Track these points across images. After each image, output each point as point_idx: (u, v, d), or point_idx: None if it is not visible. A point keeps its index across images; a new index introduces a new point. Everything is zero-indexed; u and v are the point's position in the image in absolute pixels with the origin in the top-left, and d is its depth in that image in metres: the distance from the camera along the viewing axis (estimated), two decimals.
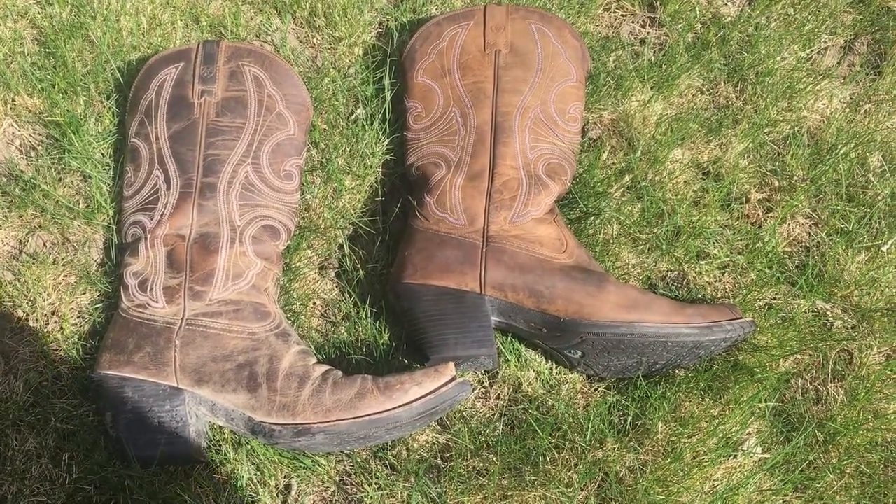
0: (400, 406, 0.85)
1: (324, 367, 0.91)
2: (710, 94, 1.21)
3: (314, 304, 1.07)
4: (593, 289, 0.96)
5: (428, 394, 0.86)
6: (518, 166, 1.01)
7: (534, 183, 1.00)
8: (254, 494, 0.94)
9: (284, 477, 0.96)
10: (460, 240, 0.99)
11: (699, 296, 1.07)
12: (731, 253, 1.10)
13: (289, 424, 0.84)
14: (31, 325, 1.01)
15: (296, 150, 1.02)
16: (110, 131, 1.09)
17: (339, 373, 0.91)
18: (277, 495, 0.95)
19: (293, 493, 0.95)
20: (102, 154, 1.09)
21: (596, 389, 1.02)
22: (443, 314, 0.97)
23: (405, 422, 0.86)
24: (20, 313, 1.02)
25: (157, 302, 0.92)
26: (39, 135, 1.11)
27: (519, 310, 0.97)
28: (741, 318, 0.98)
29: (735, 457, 0.97)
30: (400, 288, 0.99)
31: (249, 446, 0.94)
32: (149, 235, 0.95)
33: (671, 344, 0.94)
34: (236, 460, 0.94)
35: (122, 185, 1.02)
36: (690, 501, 0.94)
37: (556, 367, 1.03)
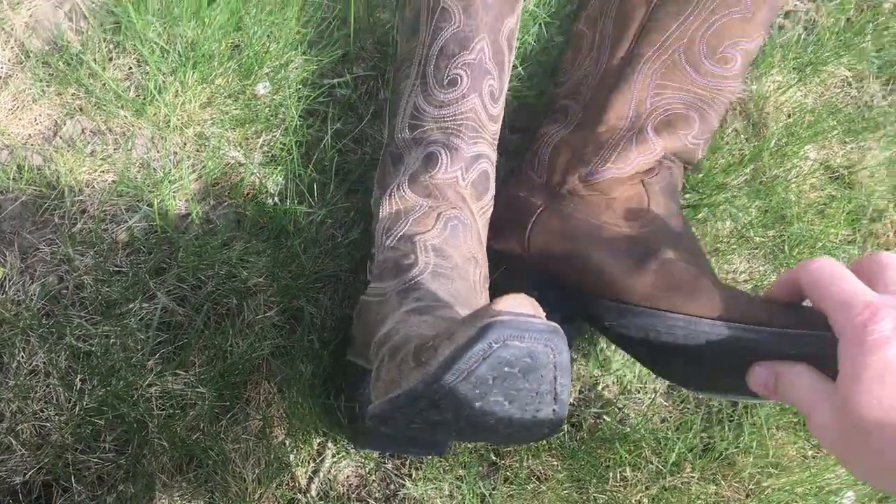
0: None
1: None
2: (856, 89, 1.06)
3: None
4: (631, 263, 0.75)
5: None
6: (626, 116, 0.83)
7: (631, 137, 0.81)
8: (285, 459, 0.83)
9: (319, 444, 0.85)
10: (524, 199, 0.85)
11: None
12: None
13: None
14: (57, 221, 0.88)
15: None
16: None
17: None
18: (309, 462, 0.84)
19: (327, 463, 0.84)
20: (160, 35, 0.92)
21: (678, 406, 0.90)
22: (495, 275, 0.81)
23: None
24: (45, 205, 0.88)
25: None
26: (94, 1, 0.94)
27: (557, 283, 0.81)
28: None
29: None
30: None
31: (285, 404, 0.83)
32: None
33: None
34: (269, 416, 0.83)
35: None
36: None
37: (642, 370, 0.91)
